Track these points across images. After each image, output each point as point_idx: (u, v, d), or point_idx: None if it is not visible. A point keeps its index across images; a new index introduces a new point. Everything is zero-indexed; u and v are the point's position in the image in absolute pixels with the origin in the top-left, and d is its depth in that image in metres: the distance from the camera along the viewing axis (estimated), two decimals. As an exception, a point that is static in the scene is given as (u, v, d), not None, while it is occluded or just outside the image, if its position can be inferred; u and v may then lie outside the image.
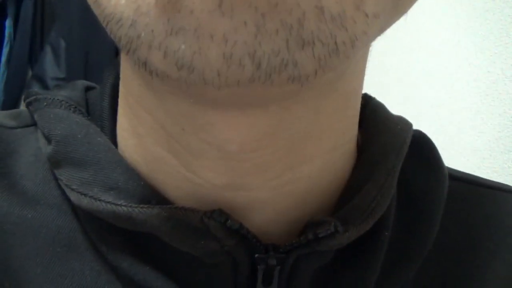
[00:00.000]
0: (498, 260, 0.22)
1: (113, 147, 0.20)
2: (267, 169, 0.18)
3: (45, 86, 1.22)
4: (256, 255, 0.18)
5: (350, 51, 0.12)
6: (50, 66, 1.27)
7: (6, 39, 1.36)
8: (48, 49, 1.29)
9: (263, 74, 0.11)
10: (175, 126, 0.17)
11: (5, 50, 1.36)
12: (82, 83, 0.23)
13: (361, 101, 0.21)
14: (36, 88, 1.26)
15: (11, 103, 1.33)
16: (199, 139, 0.17)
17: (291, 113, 0.16)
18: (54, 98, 0.21)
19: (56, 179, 0.20)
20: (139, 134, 0.19)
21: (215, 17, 0.11)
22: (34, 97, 0.21)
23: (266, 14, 0.11)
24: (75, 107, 0.21)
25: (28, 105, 0.22)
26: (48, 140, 0.20)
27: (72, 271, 0.19)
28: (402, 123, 0.22)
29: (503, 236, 0.23)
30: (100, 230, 0.19)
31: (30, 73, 1.39)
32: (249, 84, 0.12)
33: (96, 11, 0.13)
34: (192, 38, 0.11)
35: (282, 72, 0.12)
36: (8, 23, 1.37)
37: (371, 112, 0.23)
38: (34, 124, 0.22)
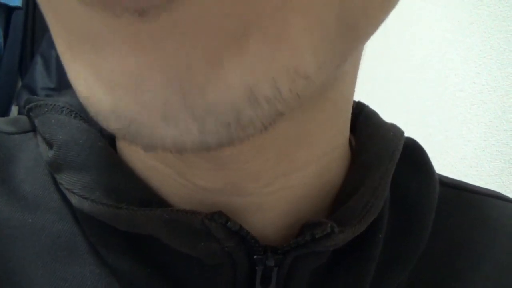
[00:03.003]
0: (487, 262, 0.23)
1: (114, 152, 0.20)
2: (260, 176, 0.18)
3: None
4: (255, 256, 0.19)
5: (297, 105, 0.12)
6: (41, 76, 1.26)
7: (-4, 49, 1.35)
8: (38, 59, 1.28)
9: (214, 148, 0.13)
10: None
11: (-5, 60, 1.35)
12: None
13: (355, 109, 0.21)
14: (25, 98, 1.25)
15: (1, 112, 1.32)
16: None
17: (278, 127, 0.16)
18: (55, 104, 0.21)
19: (56, 183, 0.20)
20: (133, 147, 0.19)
21: (162, 127, 0.12)
22: (35, 103, 0.22)
23: (205, 119, 0.11)
24: (76, 113, 0.21)
25: (28, 111, 0.22)
26: (50, 145, 0.20)
27: (72, 275, 0.19)
28: (394, 130, 0.23)
29: (491, 239, 0.23)
30: (101, 233, 0.19)
31: (20, 83, 1.37)
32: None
33: None
34: (147, 140, 0.12)
35: (231, 144, 0.12)
36: (-1, 33, 1.37)
37: (365, 119, 0.24)
38: (32, 130, 0.22)
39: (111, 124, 0.12)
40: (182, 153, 0.12)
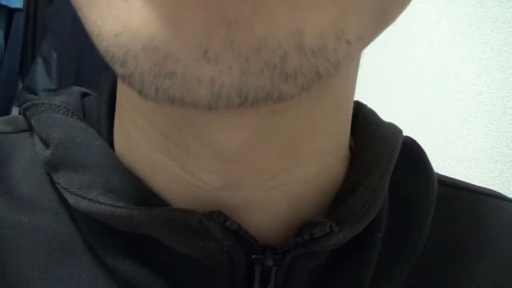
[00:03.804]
0: (486, 261, 0.23)
1: (111, 151, 0.20)
2: (261, 170, 0.18)
3: (36, 98, 1.21)
4: (253, 256, 0.19)
5: (334, 73, 0.13)
6: (41, 77, 1.26)
7: (-3, 51, 1.36)
8: (39, 61, 1.28)
9: (250, 102, 0.12)
10: (173, 128, 0.17)
11: (-4, 62, 1.35)
12: (78, 89, 0.24)
13: (354, 108, 0.21)
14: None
15: (1, 114, 1.32)
16: (196, 140, 0.17)
17: (283, 116, 0.16)
18: (51, 103, 0.21)
19: (52, 183, 0.20)
20: (136, 139, 0.19)
21: (201, 64, 0.11)
22: (31, 102, 0.21)
23: (250, 57, 0.11)
24: (73, 112, 0.21)
25: (25, 110, 0.22)
26: (46, 144, 0.20)
27: (69, 275, 0.19)
28: (393, 129, 0.23)
29: (490, 238, 0.23)
30: (98, 233, 0.19)
31: (20, 84, 1.38)
32: (238, 108, 0.13)
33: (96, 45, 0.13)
34: (180, 81, 0.12)
35: (268, 99, 0.12)
36: (0, 35, 1.37)
37: (364, 118, 0.24)
38: (29, 129, 0.22)
39: (141, 63, 0.11)
40: (213, 107, 0.12)
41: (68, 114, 0.21)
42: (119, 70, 0.12)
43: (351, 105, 0.21)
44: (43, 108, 0.21)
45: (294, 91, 0.12)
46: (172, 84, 0.12)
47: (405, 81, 0.93)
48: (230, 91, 0.12)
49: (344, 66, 0.13)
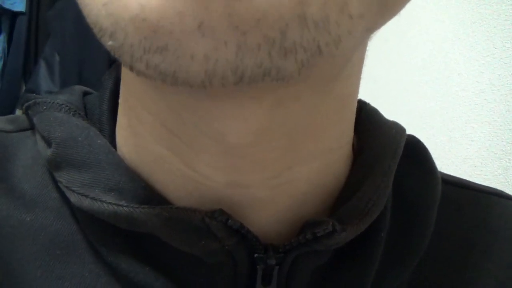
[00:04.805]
0: (491, 260, 0.22)
1: (113, 149, 0.20)
2: (266, 167, 0.18)
3: (39, 100, 1.22)
4: (256, 255, 0.19)
5: (335, 51, 0.12)
6: (44, 80, 1.27)
7: (0, 54, 1.37)
8: (42, 64, 1.29)
9: (246, 81, 0.11)
10: (176, 120, 0.17)
11: (-1, 65, 1.36)
12: (79, 88, 0.24)
13: (357, 107, 0.21)
14: (29, 102, 1.26)
15: (4, 117, 1.32)
16: (200, 131, 0.17)
17: (287, 108, 0.16)
18: (53, 102, 0.21)
19: (54, 182, 0.20)
20: (140, 134, 0.19)
21: (195, 37, 0.10)
22: (33, 101, 0.21)
23: (248, 31, 0.10)
24: (75, 111, 0.21)
25: (27, 109, 0.22)
26: (48, 143, 0.20)
27: (71, 274, 0.19)
28: (396, 128, 0.23)
29: (495, 237, 0.23)
30: (100, 231, 0.19)
31: (23, 87, 1.38)
32: (234, 87, 0.12)
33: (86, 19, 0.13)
34: (172, 57, 0.11)
35: (265, 77, 0.12)
36: (2, 38, 1.38)
37: (367, 116, 0.23)
38: (31, 128, 0.22)
39: (130, 36, 0.11)
40: (207, 84, 0.11)
41: (70, 112, 0.21)
42: (108, 42, 0.12)
43: (355, 104, 0.20)
44: (45, 107, 0.21)
45: (293, 68, 0.11)
46: (163, 59, 0.11)
47: (407, 80, 0.93)
48: (224, 69, 0.11)
49: (346, 46, 0.12)
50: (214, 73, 0.11)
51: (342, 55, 0.14)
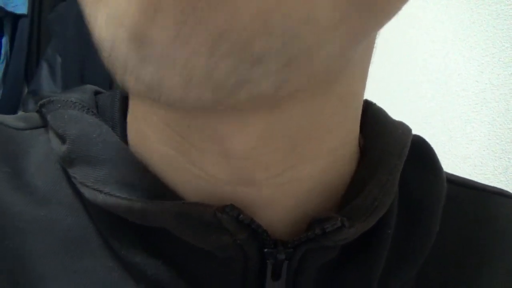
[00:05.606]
0: (495, 260, 0.22)
1: (126, 146, 0.20)
2: (269, 167, 0.18)
3: (41, 102, 1.22)
4: (266, 250, 0.19)
5: (307, 62, 0.12)
6: (47, 82, 1.27)
7: (2, 56, 1.37)
8: (44, 65, 1.29)
9: (223, 95, 0.12)
10: (181, 123, 0.18)
11: (1, 67, 1.36)
12: (90, 87, 0.24)
13: (363, 106, 0.21)
14: (31, 104, 1.26)
15: (7, 118, 1.32)
16: (204, 135, 0.17)
17: (287, 113, 0.17)
18: (67, 100, 0.21)
19: (67, 178, 0.20)
20: (147, 135, 0.19)
21: (175, 46, 0.11)
22: (47, 99, 0.22)
23: (217, 40, 0.11)
24: (88, 109, 0.21)
25: (41, 107, 0.22)
26: (63, 139, 0.20)
27: (84, 268, 0.19)
28: (402, 128, 0.23)
29: (499, 237, 0.23)
30: (113, 226, 0.19)
31: (26, 89, 1.39)
32: (213, 106, 0.13)
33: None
34: (156, 66, 0.12)
35: (241, 90, 0.12)
36: (5, 41, 1.38)
37: (373, 116, 0.24)
38: (43, 126, 0.22)
39: (122, 49, 0.12)
40: (187, 87, 0.12)
41: (83, 110, 0.21)
42: (108, 59, 0.13)
43: (360, 103, 0.21)
44: (59, 105, 0.21)
45: (265, 83, 0.12)
46: (149, 71, 0.12)
47: (408, 80, 0.93)
48: (201, 75, 0.12)
49: (325, 55, 0.12)
50: (191, 81, 0.12)
51: (327, 63, 0.13)
